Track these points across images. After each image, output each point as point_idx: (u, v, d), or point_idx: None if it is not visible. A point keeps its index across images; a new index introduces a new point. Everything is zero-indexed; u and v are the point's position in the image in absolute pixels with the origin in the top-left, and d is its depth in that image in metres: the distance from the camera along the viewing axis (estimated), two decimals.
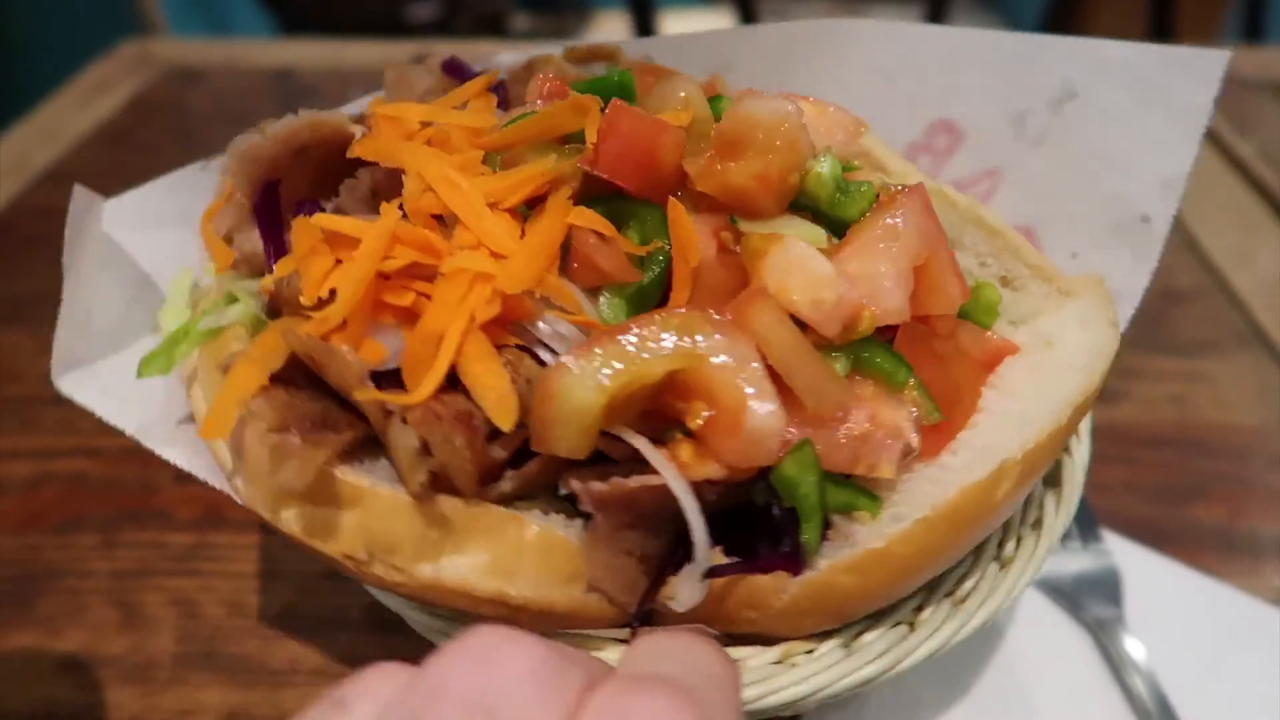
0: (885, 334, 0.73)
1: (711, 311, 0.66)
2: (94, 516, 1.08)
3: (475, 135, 0.74)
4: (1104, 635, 0.91)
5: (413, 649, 0.81)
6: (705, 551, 0.64)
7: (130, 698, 0.91)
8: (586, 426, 0.61)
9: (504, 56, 0.99)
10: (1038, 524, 0.80)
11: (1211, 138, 1.80)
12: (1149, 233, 0.83)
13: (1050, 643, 0.93)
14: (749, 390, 0.62)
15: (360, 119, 0.83)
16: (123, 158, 1.81)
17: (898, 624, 0.72)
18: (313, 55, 2.13)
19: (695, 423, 0.64)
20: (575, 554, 0.65)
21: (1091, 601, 0.94)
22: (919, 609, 0.73)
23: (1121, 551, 0.99)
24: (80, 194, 0.79)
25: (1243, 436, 1.19)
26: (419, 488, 0.61)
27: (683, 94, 0.78)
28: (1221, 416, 1.22)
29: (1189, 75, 0.82)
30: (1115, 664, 0.89)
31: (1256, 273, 1.48)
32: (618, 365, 0.61)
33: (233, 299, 0.76)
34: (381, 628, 0.95)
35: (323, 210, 0.79)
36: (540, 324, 0.67)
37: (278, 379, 0.65)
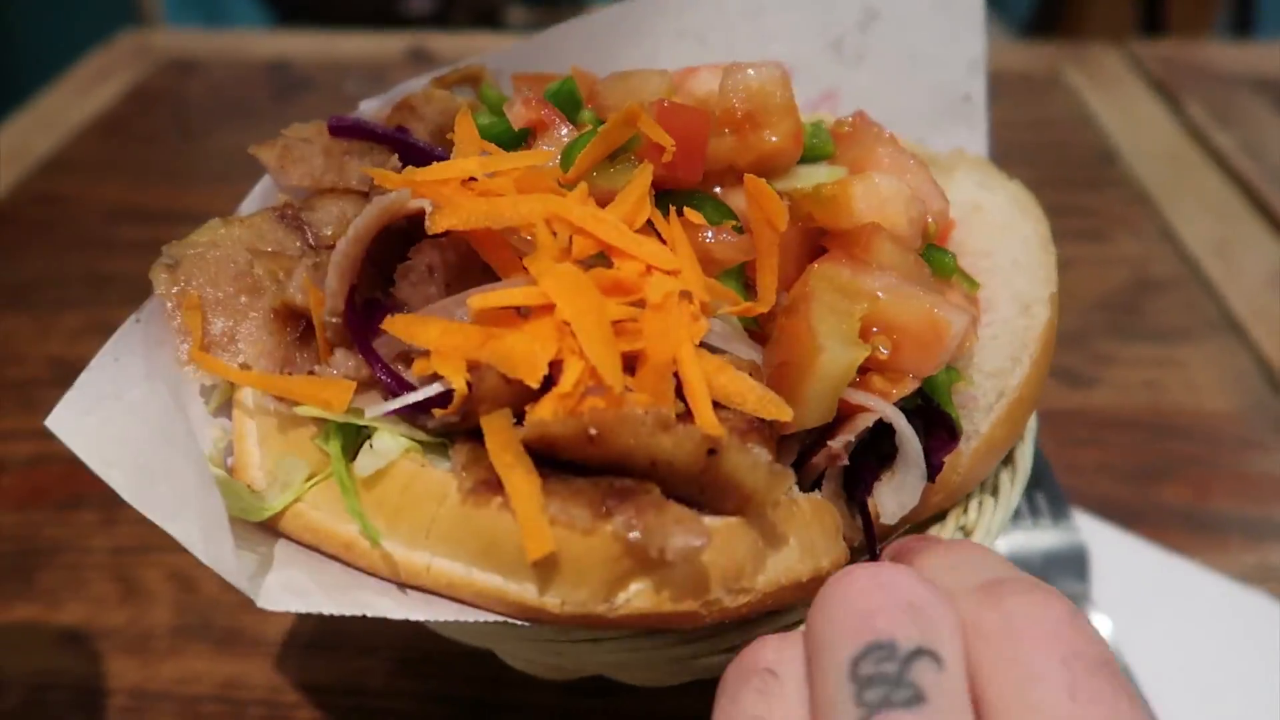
0: None
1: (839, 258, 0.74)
2: (94, 495, 1.11)
3: (547, 173, 0.70)
4: None
5: (415, 629, 0.84)
6: (919, 458, 0.73)
7: (130, 668, 0.95)
8: (839, 387, 0.66)
9: (366, 104, 0.92)
10: (995, 490, 0.88)
11: (1191, 130, 1.92)
12: (973, 106, 1.04)
13: None
14: (935, 308, 0.71)
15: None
16: (120, 147, 1.83)
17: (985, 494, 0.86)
18: (308, 46, 2.10)
19: (882, 353, 0.71)
20: (833, 511, 0.70)
21: (1060, 578, 1.03)
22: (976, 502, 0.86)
23: (1090, 530, 1.08)
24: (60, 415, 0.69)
25: (1212, 420, 1.30)
26: (779, 496, 0.61)
27: (655, 84, 0.81)
28: (1192, 401, 1.32)
29: None
30: None
31: (1232, 262, 1.58)
32: (845, 324, 0.67)
33: (346, 433, 0.65)
34: None
35: (384, 309, 0.69)
36: (715, 324, 0.69)
37: None
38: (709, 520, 0.61)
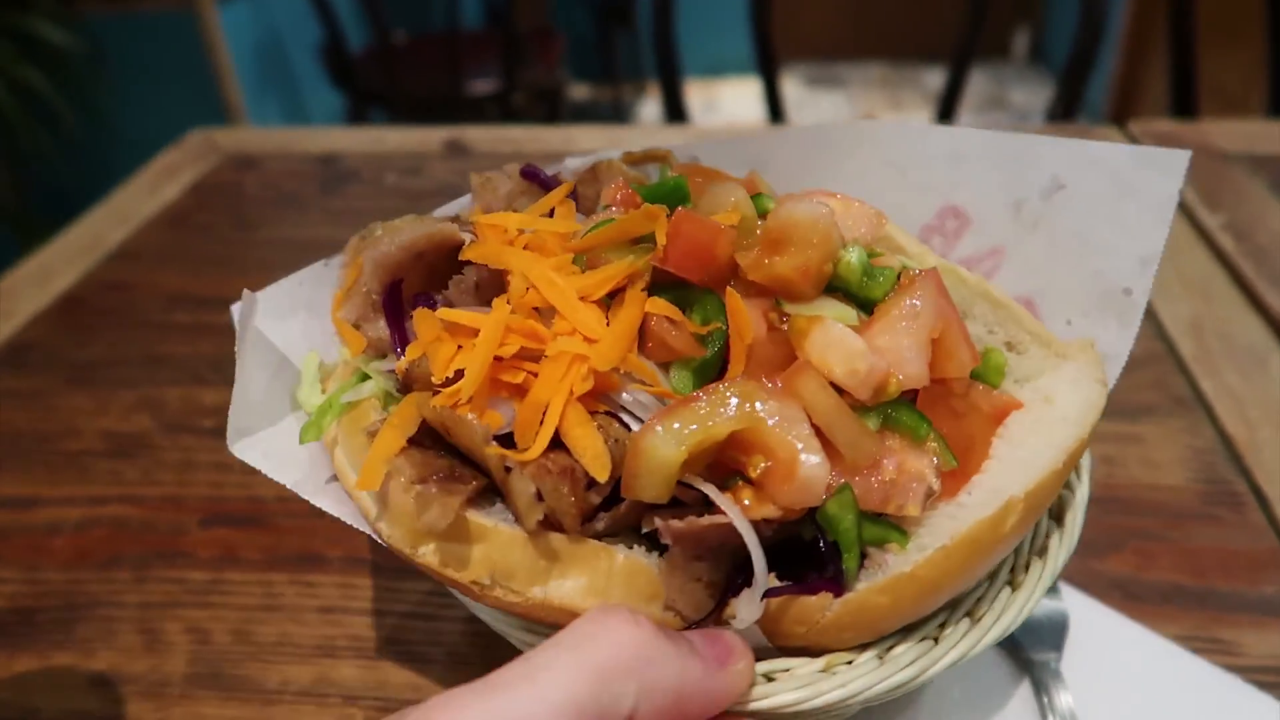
0: (910, 395, 0.88)
1: (765, 381, 0.81)
2: (131, 555, 1.27)
3: (563, 240, 0.89)
4: (1039, 673, 1.07)
5: (391, 680, 0.96)
6: (764, 576, 0.78)
7: (146, 711, 1.07)
8: (667, 477, 0.76)
9: (571, 161, 1.16)
10: (1043, 552, 0.92)
11: (1180, 208, 1.90)
12: (1131, 303, 0.97)
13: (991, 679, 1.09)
14: (800, 445, 0.76)
15: (456, 219, 0.99)
16: (181, 238, 2.06)
17: (924, 639, 0.85)
18: (356, 141, 2.37)
19: (755, 472, 0.78)
20: (655, 579, 0.80)
21: (1036, 645, 1.09)
22: (942, 626, 0.86)
23: (1073, 601, 1.14)
24: (245, 296, 0.94)
25: (1164, 495, 1.31)
26: (534, 526, 0.75)
27: (733, 199, 0.94)
28: (1148, 476, 1.34)
29: (1158, 170, 0.96)
30: (1036, 684, 1.07)
31: (1203, 340, 1.60)
32: (693, 427, 0.76)
33: (365, 377, 0.92)
34: (363, 655, 1.14)
35: (434, 301, 0.95)
36: (624, 394, 0.82)
37: (412, 442, 0.81)
38: (498, 523, 0.77)
